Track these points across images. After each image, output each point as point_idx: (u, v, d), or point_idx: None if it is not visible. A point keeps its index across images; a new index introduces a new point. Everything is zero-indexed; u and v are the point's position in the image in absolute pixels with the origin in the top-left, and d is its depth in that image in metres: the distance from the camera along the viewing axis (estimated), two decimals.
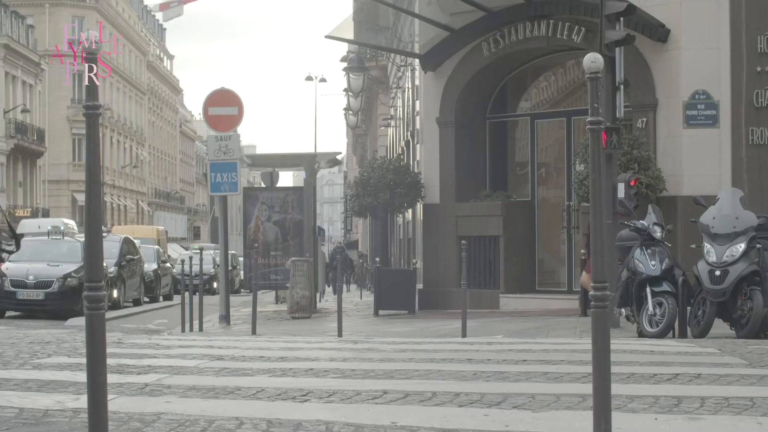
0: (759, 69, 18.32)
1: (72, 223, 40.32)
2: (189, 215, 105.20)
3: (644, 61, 18.79)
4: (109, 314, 19.66)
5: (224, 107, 18.73)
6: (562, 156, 21.88)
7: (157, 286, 30.87)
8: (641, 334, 12.42)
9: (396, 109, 36.79)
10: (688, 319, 12.55)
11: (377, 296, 21.06)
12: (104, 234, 19.80)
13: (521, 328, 15.01)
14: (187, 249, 52.21)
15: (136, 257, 27.47)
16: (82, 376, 5.29)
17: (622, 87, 15.63)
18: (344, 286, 16.58)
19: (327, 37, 25.88)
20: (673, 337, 12.34)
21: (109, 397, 4.06)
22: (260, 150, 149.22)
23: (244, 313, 20.05)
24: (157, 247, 36.22)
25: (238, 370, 7.43)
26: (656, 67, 18.83)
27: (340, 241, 71.45)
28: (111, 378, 4.69)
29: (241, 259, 30.36)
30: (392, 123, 38.25)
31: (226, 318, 17.99)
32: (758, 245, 11.98)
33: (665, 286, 12.49)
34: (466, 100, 22.09)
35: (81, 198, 64.25)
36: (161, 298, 31.17)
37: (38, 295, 21.99)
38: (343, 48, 42.15)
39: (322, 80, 58.96)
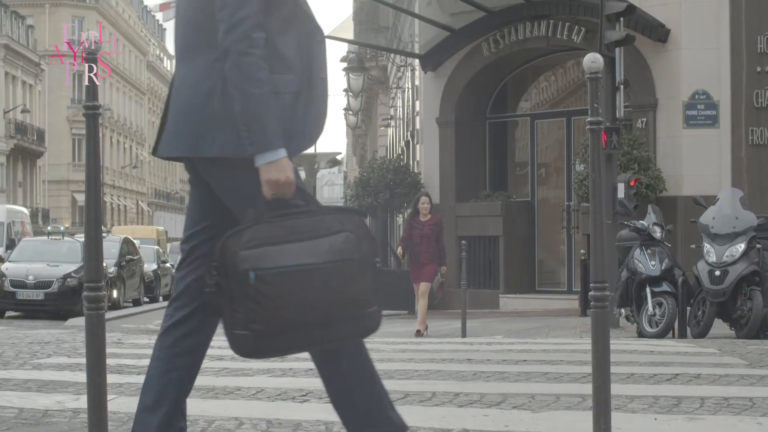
0: (759, 69, 18.32)
1: (24, 211, 38.78)
2: None
3: (644, 61, 18.80)
4: (109, 314, 19.67)
5: None
6: (561, 156, 21.89)
7: (157, 287, 30.87)
8: (641, 334, 12.42)
9: (396, 110, 36.79)
10: (687, 320, 12.55)
11: None
12: (104, 234, 19.80)
13: (521, 329, 15.02)
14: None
15: (135, 257, 27.47)
16: (81, 377, 5.29)
17: (622, 87, 15.64)
18: None
19: (327, 37, 25.83)
20: (673, 337, 12.34)
21: (109, 397, 4.06)
22: None
23: None
24: (157, 247, 36.20)
25: (238, 370, 7.43)
26: (656, 67, 18.84)
27: None
28: (111, 378, 4.68)
29: None
30: (392, 123, 38.25)
31: None
32: (758, 245, 11.98)
33: (665, 287, 12.50)
34: (466, 100, 22.10)
35: (81, 198, 64.29)
36: (161, 299, 31.17)
37: (38, 295, 21.99)
38: (343, 48, 42.21)
39: None
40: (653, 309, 12.39)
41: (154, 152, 3.59)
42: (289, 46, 3.34)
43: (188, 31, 3.46)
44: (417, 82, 26.34)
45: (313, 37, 3.42)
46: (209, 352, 9.39)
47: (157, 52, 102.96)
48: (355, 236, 3.21)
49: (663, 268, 12.58)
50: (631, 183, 15.42)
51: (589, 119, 4.26)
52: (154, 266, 31.21)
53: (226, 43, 3.24)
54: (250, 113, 3.20)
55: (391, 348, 9.59)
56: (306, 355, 7.97)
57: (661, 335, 12.10)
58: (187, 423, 4.91)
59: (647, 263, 12.63)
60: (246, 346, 3.19)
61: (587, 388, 5.08)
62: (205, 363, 8.10)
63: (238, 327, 3.16)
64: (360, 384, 3.43)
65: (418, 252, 14.56)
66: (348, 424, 3.49)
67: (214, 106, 3.30)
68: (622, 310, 13.26)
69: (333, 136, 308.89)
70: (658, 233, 12.95)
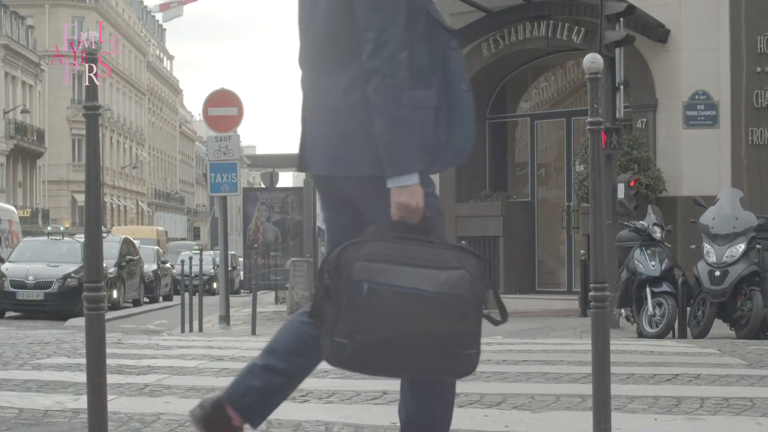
0: (759, 69, 18.32)
1: (11, 209, 38.57)
2: (189, 216, 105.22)
3: (644, 61, 18.80)
4: (109, 315, 19.67)
5: (224, 108, 18.73)
6: (561, 156, 21.89)
7: (156, 287, 30.89)
8: (641, 334, 12.42)
9: None
10: (687, 320, 12.55)
11: None
12: (104, 234, 19.84)
13: (521, 329, 15.00)
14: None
15: (135, 258, 27.49)
16: (81, 377, 5.29)
17: (621, 87, 15.64)
18: None
19: None
20: (673, 337, 12.34)
21: (109, 397, 4.06)
22: (260, 150, 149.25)
23: (244, 314, 20.04)
24: (156, 247, 36.21)
25: (238, 370, 7.41)
26: (656, 68, 18.84)
27: None
28: (111, 378, 4.69)
29: (241, 259, 30.39)
30: None
31: (225, 318, 17.99)
32: (758, 246, 11.99)
33: (665, 287, 12.50)
34: None
35: (81, 198, 64.29)
36: (161, 299, 31.19)
37: (38, 295, 21.99)
38: None
39: None
40: (653, 309, 12.39)
41: (300, 168, 3.57)
42: (425, 60, 3.32)
43: (326, 45, 3.39)
44: None
45: (447, 47, 3.38)
46: (208, 352, 9.38)
47: (157, 53, 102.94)
48: (470, 276, 3.21)
49: (663, 268, 12.58)
50: (631, 183, 15.42)
51: (589, 119, 4.26)
52: (154, 266, 31.21)
53: (372, 64, 3.21)
54: (391, 135, 3.20)
55: None
56: None
57: (661, 335, 12.10)
58: (187, 423, 4.92)
59: (647, 263, 12.63)
60: (342, 356, 3.18)
61: (587, 389, 5.08)
62: (205, 363, 8.13)
63: (339, 335, 3.16)
64: (445, 409, 3.45)
65: None
66: None
67: (359, 125, 3.29)
68: (622, 311, 13.26)
69: None
70: (658, 233, 12.95)
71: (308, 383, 6.49)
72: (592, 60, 4.23)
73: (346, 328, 3.14)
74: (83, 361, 3.99)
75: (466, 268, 3.21)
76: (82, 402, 5.03)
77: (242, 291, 36.99)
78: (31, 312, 22.11)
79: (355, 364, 3.23)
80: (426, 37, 3.33)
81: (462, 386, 6.35)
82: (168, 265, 34.03)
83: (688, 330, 12.51)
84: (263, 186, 26.39)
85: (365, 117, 3.26)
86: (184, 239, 72.03)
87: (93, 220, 3.84)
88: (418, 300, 3.14)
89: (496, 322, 3.31)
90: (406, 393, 3.45)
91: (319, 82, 3.42)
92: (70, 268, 22.40)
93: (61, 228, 30.43)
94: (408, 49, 3.24)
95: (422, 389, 3.40)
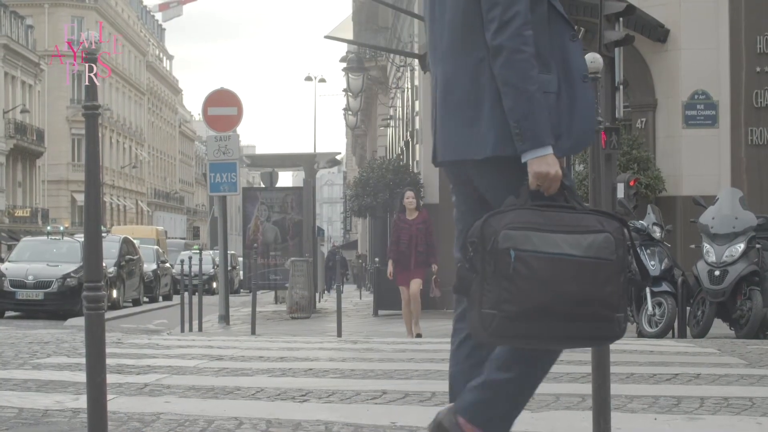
0: (758, 69, 18.33)
1: None
2: (188, 215, 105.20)
3: (643, 61, 18.80)
4: (109, 314, 19.67)
5: (223, 107, 18.72)
6: None
7: (156, 286, 30.87)
8: (641, 334, 12.42)
9: (395, 110, 36.79)
10: (687, 319, 12.55)
11: (376, 296, 21.04)
12: (103, 234, 19.82)
13: None
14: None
15: (135, 257, 27.47)
16: (81, 376, 5.29)
17: (621, 87, 15.64)
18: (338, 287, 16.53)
19: (326, 37, 25.89)
20: (673, 337, 12.34)
21: (109, 397, 4.06)
22: (260, 150, 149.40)
23: (244, 313, 20.04)
24: (156, 247, 36.19)
25: (238, 370, 7.43)
26: (655, 68, 18.84)
27: (338, 244, 71.82)
28: (110, 378, 4.69)
29: (241, 259, 30.41)
30: (392, 123, 38.25)
31: (225, 318, 17.99)
32: (757, 245, 11.99)
33: (665, 287, 12.50)
34: None
35: (80, 198, 64.26)
36: (161, 298, 31.18)
37: (37, 295, 21.98)
38: (343, 48, 42.20)
39: (322, 80, 58.98)
40: (653, 309, 12.39)
41: (434, 161, 3.56)
42: (545, 45, 3.34)
43: (450, 33, 3.43)
44: (416, 82, 26.32)
45: (564, 35, 3.40)
46: (208, 352, 9.36)
47: (157, 52, 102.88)
48: (614, 239, 3.22)
49: (663, 268, 12.58)
50: (631, 183, 15.42)
51: None
52: (154, 266, 31.20)
53: (499, 41, 3.25)
54: (522, 110, 3.22)
55: (391, 348, 9.60)
56: (305, 354, 7.91)
57: (660, 335, 12.10)
58: (187, 423, 4.92)
59: (647, 263, 12.63)
60: (490, 326, 3.14)
61: (587, 388, 5.07)
62: (205, 363, 8.12)
63: (487, 306, 3.13)
64: (513, 396, 3.37)
65: (406, 255, 13.72)
66: (465, 412, 3.38)
67: (484, 106, 3.32)
68: None
69: (332, 136, 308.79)
70: (657, 233, 12.96)
71: (308, 383, 6.51)
72: (592, 59, 4.23)
73: (494, 298, 3.12)
74: (83, 360, 3.99)
75: (609, 231, 3.21)
76: (81, 401, 5.03)
77: (242, 291, 37.00)
78: (31, 312, 22.10)
79: (501, 335, 3.17)
80: (547, 24, 3.36)
81: None
82: (167, 264, 34.01)
83: (688, 330, 12.51)
84: (263, 186, 26.39)
85: (492, 98, 3.29)
86: (183, 239, 71.95)
87: (93, 220, 3.85)
88: (564, 265, 3.13)
89: (638, 284, 3.33)
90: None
91: (446, 68, 3.44)
92: (70, 267, 22.38)
93: (61, 228, 30.44)
94: (532, 29, 3.27)
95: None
